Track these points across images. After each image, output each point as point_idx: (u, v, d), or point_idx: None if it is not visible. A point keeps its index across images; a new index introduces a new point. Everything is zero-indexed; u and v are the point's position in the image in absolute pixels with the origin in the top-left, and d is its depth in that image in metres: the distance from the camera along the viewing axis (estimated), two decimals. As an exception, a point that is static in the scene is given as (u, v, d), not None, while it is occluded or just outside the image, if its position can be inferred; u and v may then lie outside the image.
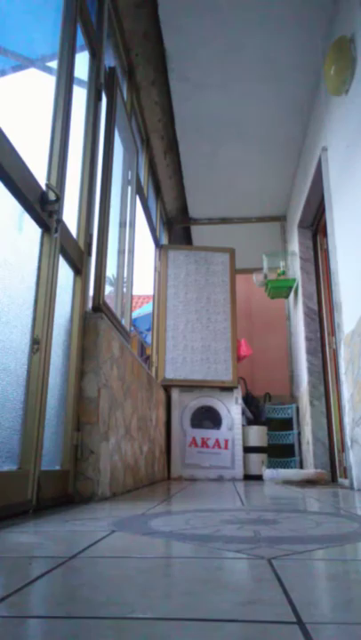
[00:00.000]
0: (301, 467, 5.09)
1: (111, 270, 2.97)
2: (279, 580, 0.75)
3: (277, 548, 1.02)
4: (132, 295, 3.55)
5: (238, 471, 4.74)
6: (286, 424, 5.41)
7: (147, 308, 7.73)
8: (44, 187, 1.88)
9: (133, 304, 4.18)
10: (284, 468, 5.02)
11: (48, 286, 1.89)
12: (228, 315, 5.23)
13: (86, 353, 2.33)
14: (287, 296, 5.59)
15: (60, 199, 1.97)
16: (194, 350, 5.08)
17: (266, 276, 5.47)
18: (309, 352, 4.73)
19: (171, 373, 5.03)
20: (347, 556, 1.00)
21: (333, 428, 4.37)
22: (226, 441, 4.84)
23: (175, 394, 4.96)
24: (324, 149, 3.75)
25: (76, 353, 2.24)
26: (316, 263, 4.93)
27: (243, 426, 4.95)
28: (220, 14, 3.41)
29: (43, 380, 1.80)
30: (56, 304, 1.97)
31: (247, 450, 4.88)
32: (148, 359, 6.42)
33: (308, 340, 4.76)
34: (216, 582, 0.77)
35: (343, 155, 3.27)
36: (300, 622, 0.56)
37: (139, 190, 4.08)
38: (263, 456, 4.92)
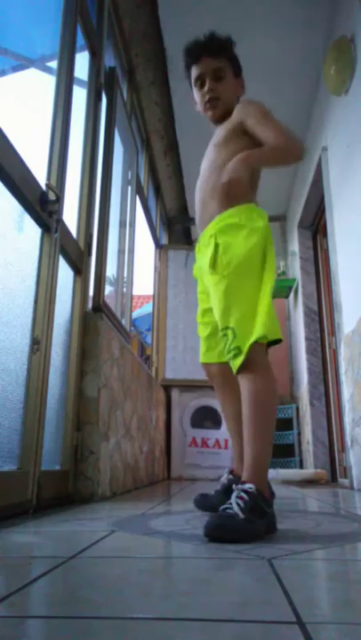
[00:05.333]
0: (301, 467, 5.08)
1: (111, 270, 2.97)
2: (279, 580, 0.75)
3: (277, 547, 1.02)
4: (132, 295, 3.55)
5: (238, 471, 4.74)
6: (286, 424, 5.40)
7: (147, 308, 7.72)
8: (44, 187, 1.88)
9: (133, 304, 4.17)
10: (284, 467, 5.02)
11: (48, 286, 1.89)
12: (228, 315, 5.21)
13: (86, 353, 2.33)
14: (287, 296, 5.59)
15: (60, 199, 1.97)
16: (194, 350, 5.07)
17: (266, 276, 5.47)
18: (309, 352, 4.73)
19: (171, 373, 5.02)
20: (347, 555, 1.00)
21: (333, 428, 4.37)
22: (226, 441, 4.83)
23: (175, 394, 4.96)
24: (325, 149, 3.75)
25: (76, 353, 2.24)
26: (316, 263, 4.93)
27: (243, 426, 4.94)
28: (220, 14, 3.41)
29: (43, 380, 1.79)
30: (56, 304, 1.97)
31: (247, 450, 4.87)
32: (148, 359, 6.41)
33: (308, 339, 4.76)
34: (216, 582, 0.77)
35: (343, 155, 3.27)
36: (300, 622, 0.56)
37: (139, 190, 4.08)
38: (263, 456, 4.90)
